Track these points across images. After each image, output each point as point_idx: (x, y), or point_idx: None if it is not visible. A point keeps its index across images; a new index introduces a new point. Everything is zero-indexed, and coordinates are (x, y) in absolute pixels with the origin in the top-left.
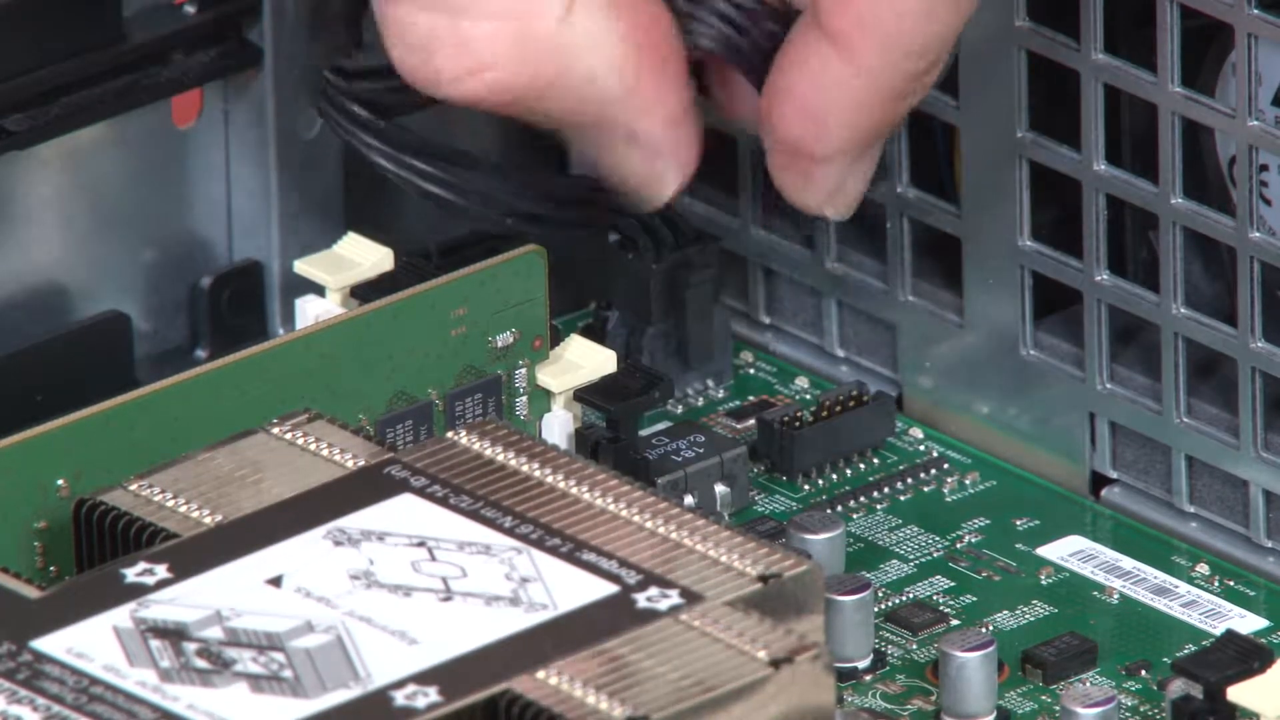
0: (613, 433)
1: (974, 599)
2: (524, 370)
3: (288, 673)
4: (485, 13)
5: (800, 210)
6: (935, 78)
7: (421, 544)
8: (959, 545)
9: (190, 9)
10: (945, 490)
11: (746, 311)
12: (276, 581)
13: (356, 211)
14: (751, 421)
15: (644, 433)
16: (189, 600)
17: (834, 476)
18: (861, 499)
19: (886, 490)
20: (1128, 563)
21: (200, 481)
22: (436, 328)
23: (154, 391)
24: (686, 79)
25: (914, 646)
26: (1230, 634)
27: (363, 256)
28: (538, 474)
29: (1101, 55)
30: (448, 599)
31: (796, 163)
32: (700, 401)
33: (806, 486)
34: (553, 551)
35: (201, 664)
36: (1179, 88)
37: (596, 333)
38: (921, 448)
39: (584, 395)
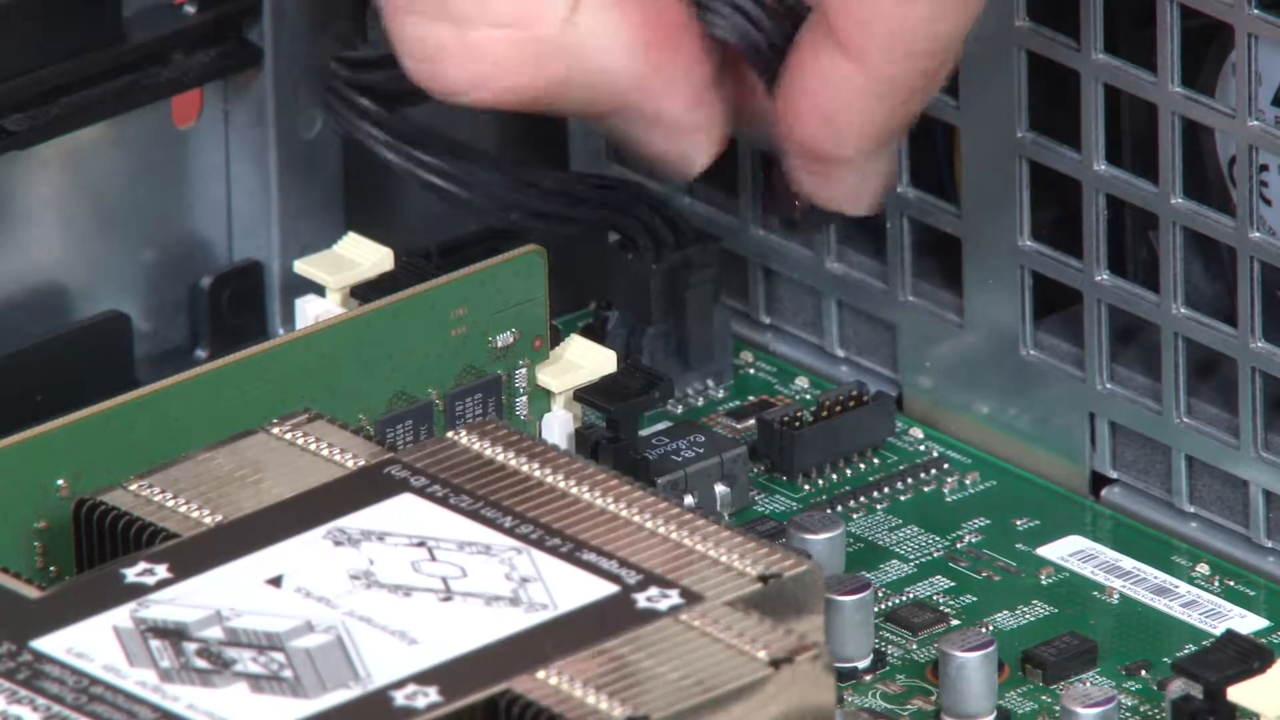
0: (613, 433)
1: (974, 599)
2: (524, 370)
3: (288, 673)
4: (491, 21)
5: (802, 215)
6: (946, 75)
7: (421, 544)
8: (959, 545)
9: (190, 9)
10: (945, 490)
11: (746, 311)
12: (276, 581)
13: (356, 211)
14: (751, 421)
15: (644, 433)
16: (189, 600)
17: (834, 476)
18: (861, 499)
19: (886, 490)
20: (1128, 563)
21: (200, 481)
22: (436, 328)
23: (154, 391)
24: (703, 56)
25: (914, 646)
26: (1230, 634)
27: (363, 256)
28: (538, 474)
29: (1101, 55)
30: (448, 599)
31: (814, 164)
32: (700, 401)
33: (806, 486)
34: (553, 551)
35: (201, 664)
36: (1179, 88)
37: (596, 333)
38: (921, 448)
39: (584, 395)
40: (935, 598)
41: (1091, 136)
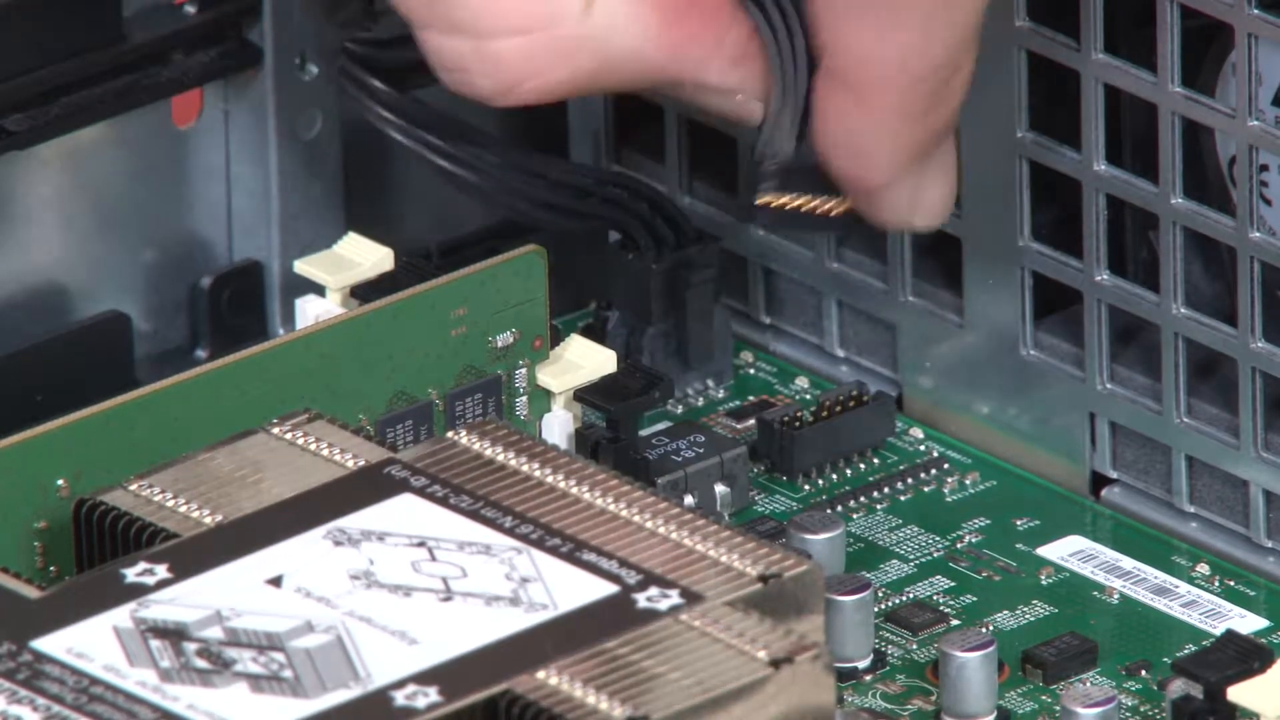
0: (613, 433)
1: (974, 599)
2: (524, 370)
3: (288, 673)
4: (508, 30)
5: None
6: (967, 78)
7: (421, 544)
8: (959, 545)
9: (190, 9)
10: (945, 490)
11: (746, 311)
12: (276, 581)
13: (356, 211)
14: (751, 421)
15: (644, 433)
16: (189, 600)
17: (834, 476)
18: (861, 499)
19: (886, 490)
20: (1128, 563)
21: (200, 481)
22: (436, 328)
23: (154, 391)
24: (735, 18)
25: (914, 646)
26: (1230, 634)
27: (363, 256)
28: (538, 474)
29: (1101, 55)
30: (448, 599)
31: (861, 194)
32: (700, 401)
33: (806, 486)
34: (553, 551)
35: (201, 664)
36: (1179, 88)
37: (596, 333)
38: (921, 448)
39: (584, 395)
40: (935, 598)
41: (1091, 136)
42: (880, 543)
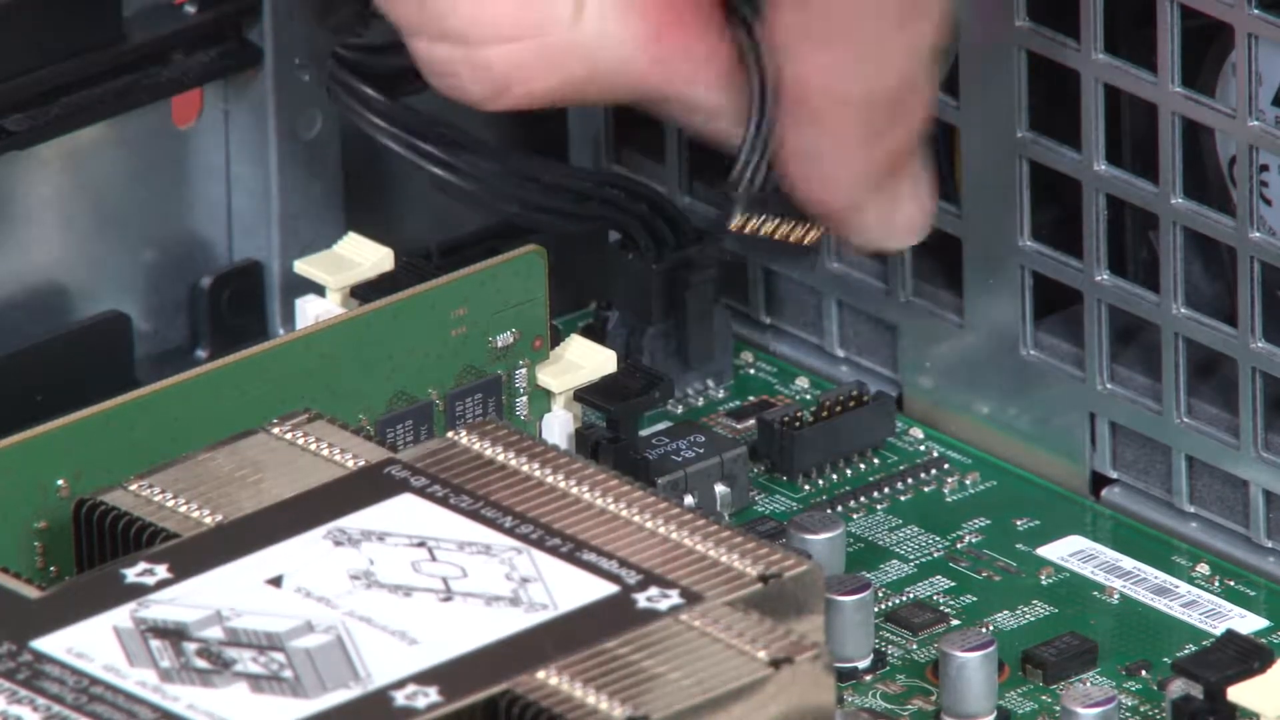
0: (613, 433)
1: (974, 599)
2: (524, 370)
3: (288, 673)
4: (497, 37)
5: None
6: (925, 99)
7: (421, 544)
8: (959, 545)
9: (190, 9)
10: (945, 490)
11: (746, 311)
12: (276, 581)
13: (356, 211)
14: (751, 421)
15: (644, 433)
16: (189, 600)
17: (834, 476)
18: (861, 499)
19: (886, 490)
20: (1128, 563)
21: (200, 481)
22: (436, 328)
23: (154, 391)
24: (722, 38)
25: (914, 646)
26: (1230, 634)
27: (363, 256)
28: (538, 474)
29: (1101, 55)
30: (448, 599)
31: (830, 218)
32: (700, 401)
33: (806, 486)
34: (553, 551)
35: (201, 664)
36: (1179, 88)
37: (596, 333)
38: (921, 448)
39: (584, 395)
40: (935, 598)
41: (1091, 136)
42: (880, 543)
